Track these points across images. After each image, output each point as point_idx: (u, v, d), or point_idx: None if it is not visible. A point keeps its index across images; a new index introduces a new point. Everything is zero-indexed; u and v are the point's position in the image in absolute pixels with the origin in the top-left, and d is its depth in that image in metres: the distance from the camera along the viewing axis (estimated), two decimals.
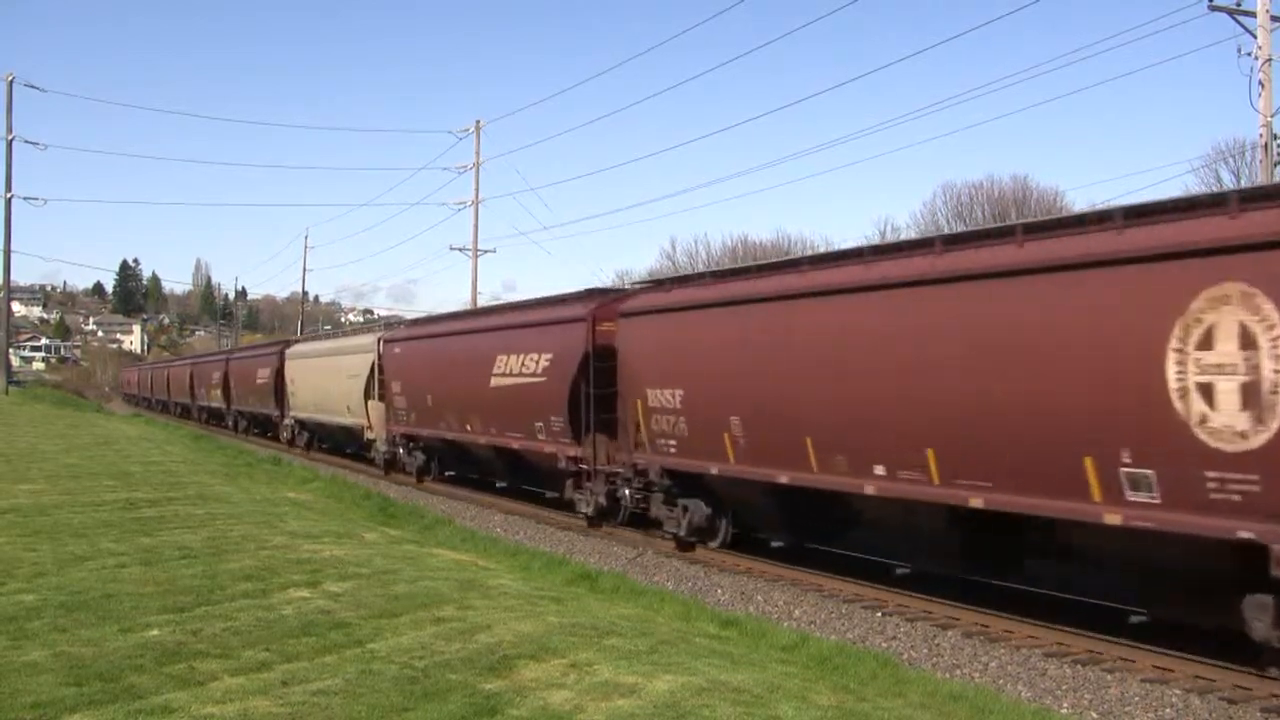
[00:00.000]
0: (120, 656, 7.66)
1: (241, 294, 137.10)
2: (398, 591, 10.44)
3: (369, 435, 29.21)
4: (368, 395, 28.90)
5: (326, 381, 32.88)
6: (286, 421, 39.02)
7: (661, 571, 15.40)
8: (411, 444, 26.83)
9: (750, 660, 8.84)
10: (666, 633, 9.60)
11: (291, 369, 37.31)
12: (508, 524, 20.34)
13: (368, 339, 30.28)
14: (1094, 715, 9.08)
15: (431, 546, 15.24)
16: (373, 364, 28.62)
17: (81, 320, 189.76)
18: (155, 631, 8.43)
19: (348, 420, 31.19)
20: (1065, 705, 9.26)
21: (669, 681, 7.52)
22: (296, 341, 41.92)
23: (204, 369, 57.41)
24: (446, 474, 26.70)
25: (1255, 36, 21.68)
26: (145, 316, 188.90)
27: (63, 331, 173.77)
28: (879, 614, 12.33)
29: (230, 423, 49.97)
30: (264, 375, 41.59)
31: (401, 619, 9.19)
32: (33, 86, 66.04)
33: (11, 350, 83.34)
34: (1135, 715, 8.96)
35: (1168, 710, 8.95)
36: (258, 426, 45.99)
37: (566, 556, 16.42)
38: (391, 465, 28.42)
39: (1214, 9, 22.08)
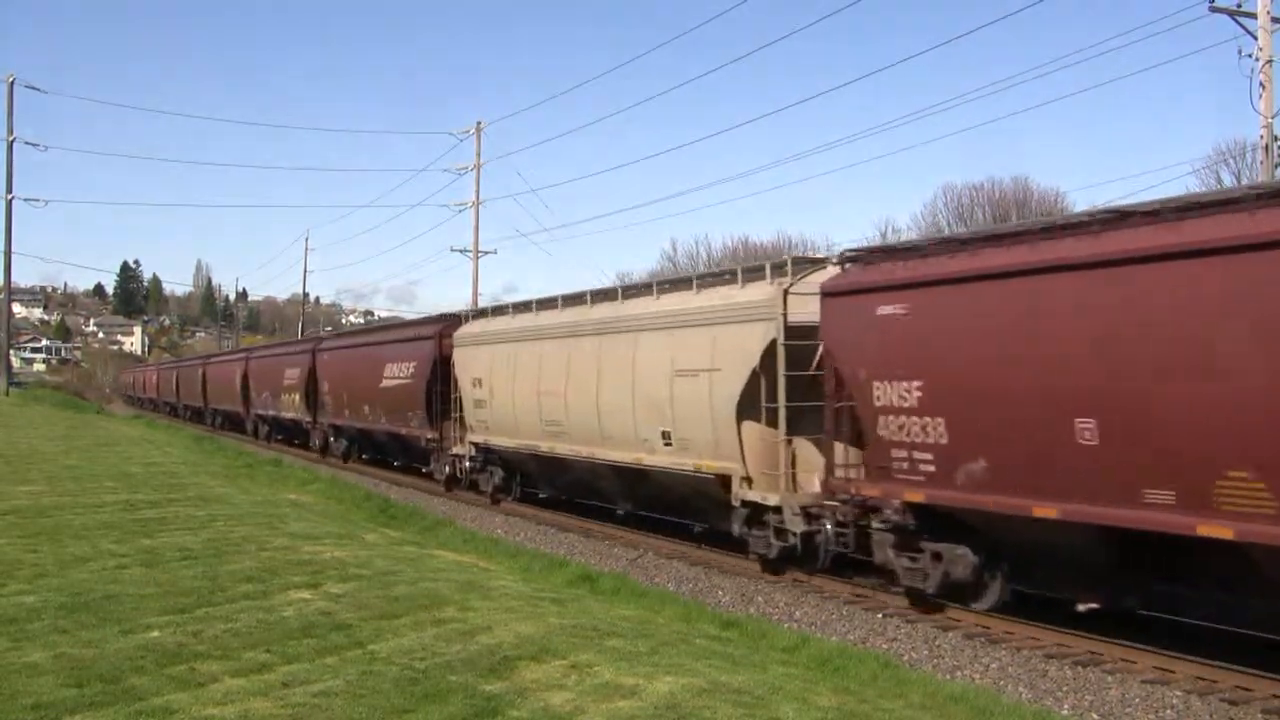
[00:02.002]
0: (121, 658, 7.67)
1: (242, 295, 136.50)
2: (398, 593, 10.45)
3: (747, 495, 14.41)
4: (741, 415, 14.40)
5: (595, 385, 17.80)
6: (458, 450, 23.67)
7: (662, 573, 15.39)
8: (944, 528, 11.77)
9: (751, 661, 8.84)
10: (667, 634, 9.61)
11: (476, 362, 22.31)
12: (508, 525, 20.34)
13: (751, 293, 14.58)
14: (1095, 716, 9.07)
15: (432, 548, 15.25)
16: (767, 347, 13.97)
17: (82, 322, 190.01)
18: (156, 633, 8.44)
19: (663, 460, 16.00)
20: (1066, 706, 9.26)
21: (669, 683, 7.52)
22: (475, 316, 24.32)
23: (267, 366, 40.37)
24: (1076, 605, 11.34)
25: (1256, 38, 21.67)
26: (146, 318, 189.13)
27: (63, 333, 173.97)
28: (880, 616, 12.33)
29: (316, 443, 34.28)
30: (399, 373, 26.40)
31: (402, 620, 9.20)
32: (33, 88, 66.69)
33: (12, 351, 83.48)
34: (1136, 716, 8.96)
35: (1168, 711, 8.95)
36: (375, 451, 30.48)
37: (567, 558, 16.42)
38: (802, 555, 13.96)
39: (1214, 10, 22.07)
